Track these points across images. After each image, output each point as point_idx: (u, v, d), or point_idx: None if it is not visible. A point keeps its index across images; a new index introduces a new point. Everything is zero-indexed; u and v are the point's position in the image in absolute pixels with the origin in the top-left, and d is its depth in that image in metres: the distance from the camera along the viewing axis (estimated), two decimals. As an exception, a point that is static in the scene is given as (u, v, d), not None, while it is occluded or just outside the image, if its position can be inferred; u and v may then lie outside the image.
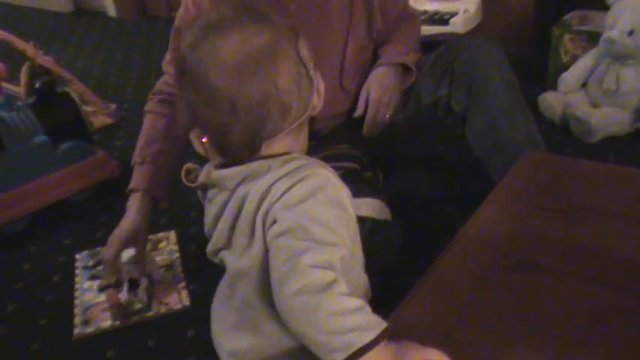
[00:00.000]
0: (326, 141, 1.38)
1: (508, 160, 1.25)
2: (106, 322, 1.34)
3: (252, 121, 0.77)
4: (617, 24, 1.82)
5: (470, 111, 1.42)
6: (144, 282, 1.36)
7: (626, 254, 0.91)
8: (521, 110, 1.41)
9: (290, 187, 0.76)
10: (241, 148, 0.79)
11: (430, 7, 2.26)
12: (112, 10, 3.59)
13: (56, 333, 1.34)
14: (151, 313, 1.35)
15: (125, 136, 2.16)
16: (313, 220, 0.74)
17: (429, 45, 1.54)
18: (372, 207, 1.18)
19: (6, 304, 1.45)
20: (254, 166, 0.80)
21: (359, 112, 1.43)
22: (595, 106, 1.89)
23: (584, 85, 1.95)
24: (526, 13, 2.35)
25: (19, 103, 1.75)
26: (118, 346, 1.29)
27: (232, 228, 0.82)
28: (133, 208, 1.32)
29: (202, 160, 0.86)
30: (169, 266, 1.48)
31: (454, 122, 1.64)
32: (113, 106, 2.32)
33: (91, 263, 1.52)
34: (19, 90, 2.12)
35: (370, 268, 0.92)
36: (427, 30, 1.95)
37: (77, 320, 1.35)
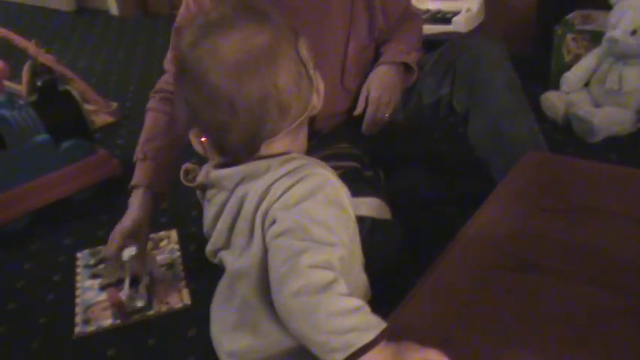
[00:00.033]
0: (327, 140, 1.38)
1: (510, 160, 1.25)
2: (107, 320, 1.34)
3: (252, 121, 0.77)
4: (619, 23, 1.82)
5: (471, 110, 1.42)
6: (145, 279, 1.36)
7: (626, 255, 0.91)
8: (523, 110, 1.41)
9: (289, 187, 0.76)
10: (240, 148, 0.79)
11: (432, 5, 2.26)
12: (114, 9, 3.59)
13: (57, 332, 1.34)
14: (151, 312, 1.35)
15: (127, 135, 2.16)
16: (312, 220, 0.74)
17: (431, 44, 1.54)
18: (372, 206, 1.18)
19: (7, 302, 1.45)
20: (253, 166, 0.79)
21: (358, 110, 1.43)
22: (597, 105, 1.89)
23: (586, 84, 1.95)
24: (529, 12, 2.35)
25: (21, 102, 1.75)
26: (118, 344, 1.29)
27: (231, 228, 0.82)
28: (135, 204, 1.32)
29: (202, 160, 0.86)
30: (170, 265, 1.48)
31: (456, 121, 1.64)
32: (115, 104, 2.32)
33: (92, 262, 1.53)
34: (21, 88, 2.12)
35: (370, 267, 0.91)
36: (429, 29, 1.95)
37: (78, 319, 1.35)
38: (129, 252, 1.31)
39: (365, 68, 1.45)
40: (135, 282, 1.36)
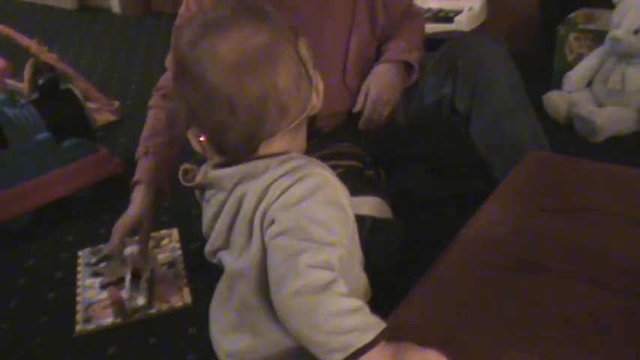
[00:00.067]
0: (328, 139, 1.38)
1: (512, 160, 1.24)
2: (108, 319, 1.34)
3: (251, 121, 0.77)
4: (622, 22, 1.81)
5: (473, 110, 1.42)
6: (146, 273, 1.36)
7: (627, 255, 0.90)
8: (526, 109, 1.40)
9: (288, 187, 0.76)
10: (239, 148, 0.79)
11: (434, 4, 2.26)
12: (116, 7, 3.60)
13: (58, 330, 1.34)
14: (152, 311, 1.35)
15: (128, 133, 2.16)
16: (312, 220, 0.74)
17: (433, 43, 1.54)
18: (372, 205, 1.18)
19: (8, 300, 1.45)
20: (252, 165, 0.79)
21: (357, 108, 1.43)
22: (600, 105, 1.89)
23: (589, 84, 1.94)
24: (531, 12, 2.35)
25: (22, 100, 1.75)
26: (119, 343, 1.29)
27: (230, 228, 0.82)
28: (137, 199, 1.32)
29: (201, 160, 0.86)
30: (171, 264, 1.48)
31: (458, 121, 1.64)
32: (116, 103, 2.32)
33: (93, 260, 1.52)
34: (23, 86, 2.13)
35: (371, 267, 0.91)
36: (431, 28, 1.95)
37: (79, 317, 1.35)
38: (130, 250, 1.32)
39: (366, 67, 1.45)
40: (136, 277, 1.36)
